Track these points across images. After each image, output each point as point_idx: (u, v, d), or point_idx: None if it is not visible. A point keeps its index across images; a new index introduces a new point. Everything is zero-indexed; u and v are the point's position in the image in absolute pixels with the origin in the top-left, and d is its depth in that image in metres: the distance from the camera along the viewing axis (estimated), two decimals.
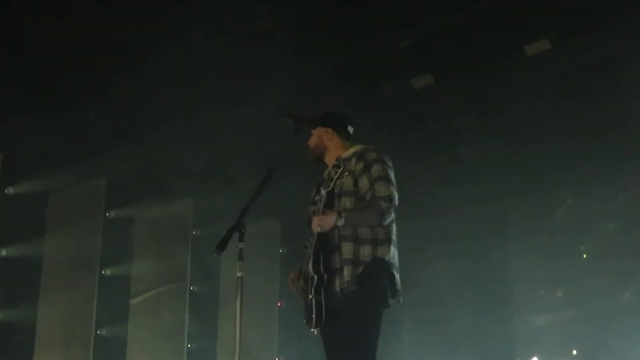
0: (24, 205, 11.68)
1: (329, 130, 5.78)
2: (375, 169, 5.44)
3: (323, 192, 5.33)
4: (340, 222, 5.29)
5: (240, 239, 4.94)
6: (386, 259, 5.45)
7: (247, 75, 9.34)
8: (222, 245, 4.88)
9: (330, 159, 5.74)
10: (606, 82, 9.19)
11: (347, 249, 5.37)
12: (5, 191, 11.56)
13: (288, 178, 6.58)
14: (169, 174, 11.17)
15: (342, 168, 5.50)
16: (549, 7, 8.36)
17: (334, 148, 5.74)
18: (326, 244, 5.38)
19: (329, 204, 5.47)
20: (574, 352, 10.83)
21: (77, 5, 8.52)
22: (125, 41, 8.93)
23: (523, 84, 9.46)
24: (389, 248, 5.49)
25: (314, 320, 5.36)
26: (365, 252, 5.40)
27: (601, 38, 8.60)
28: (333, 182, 5.42)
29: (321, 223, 5.26)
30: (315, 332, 5.49)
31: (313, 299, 5.36)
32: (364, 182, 5.41)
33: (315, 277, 5.34)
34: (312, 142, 5.78)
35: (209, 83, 9.47)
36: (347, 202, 5.37)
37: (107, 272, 12.15)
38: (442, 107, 9.99)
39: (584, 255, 11.14)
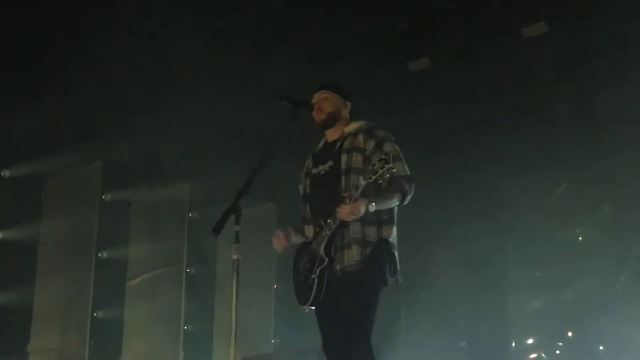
0: (20, 188, 11.70)
1: (348, 103, 5.78)
2: (389, 147, 5.39)
3: (362, 181, 5.14)
4: (372, 209, 5.23)
5: (237, 222, 4.91)
6: (390, 239, 5.48)
7: (242, 60, 9.34)
8: (218, 228, 4.86)
9: (334, 132, 5.75)
10: (602, 66, 9.19)
11: (354, 228, 5.37)
12: (2, 174, 11.57)
13: (285, 161, 6.56)
14: (165, 156, 11.18)
15: (342, 143, 5.54)
16: None
17: (342, 121, 5.74)
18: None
19: (333, 180, 5.48)
20: (570, 334, 10.85)
21: None
22: (120, 25, 8.92)
23: (519, 67, 9.47)
24: (392, 228, 5.51)
25: (311, 298, 5.39)
26: (372, 232, 5.41)
27: (598, 21, 8.58)
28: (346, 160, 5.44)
29: (353, 211, 5.16)
30: (307, 311, 5.52)
31: (316, 278, 5.38)
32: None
33: (327, 259, 5.37)
34: (329, 107, 5.68)
35: (205, 67, 9.47)
36: (357, 180, 5.33)
37: (104, 254, 12.17)
38: (438, 91, 9.99)
39: (580, 238, 11.15)
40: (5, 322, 11.60)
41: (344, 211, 5.15)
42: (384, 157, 5.07)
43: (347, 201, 5.16)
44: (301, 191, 5.80)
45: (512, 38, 8.94)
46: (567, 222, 11.06)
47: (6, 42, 9.37)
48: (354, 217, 5.17)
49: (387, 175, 5.10)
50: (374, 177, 5.07)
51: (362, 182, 5.14)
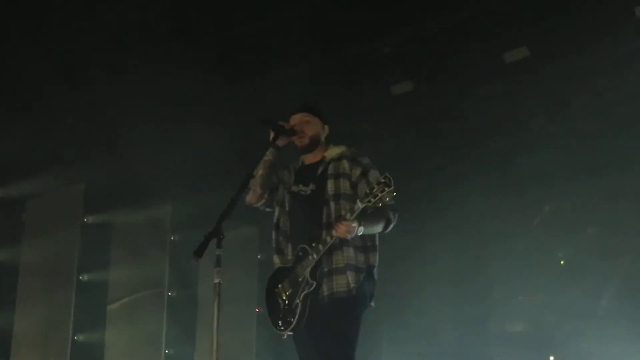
0: (0, 209, 11.63)
1: (326, 127, 5.82)
2: (374, 175, 5.45)
3: (360, 204, 5.17)
4: (360, 232, 5.29)
5: (219, 245, 4.89)
6: (375, 265, 5.51)
7: (225, 81, 9.34)
8: (199, 251, 4.84)
9: (313, 155, 5.74)
10: (583, 91, 9.23)
11: (349, 254, 5.40)
12: None
13: None
14: (147, 179, 11.14)
15: (325, 168, 5.58)
16: (527, 15, 8.38)
17: (321, 145, 5.76)
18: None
19: (317, 204, 5.47)
20: (551, 358, 10.86)
21: (58, 9, 8.49)
22: (105, 46, 8.91)
23: (501, 91, 9.50)
24: (376, 254, 5.55)
25: (293, 324, 5.37)
26: (361, 258, 5.47)
27: (579, 45, 8.62)
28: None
29: (349, 230, 5.20)
30: (286, 337, 5.50)
31: (300, 303, 5.37)
32: (364, 188, 5.34)
33: (314, 284, 5.35)
34: (311, 130, 5.73)
35: (186, 89, 9.46)
36: (346, 206, 5.35)
37: (85, 277, 12.08)
38: (421, 114, 10.01)
39: (562, 262, 11.17)
40: None
41: (342, 229, 5.14)
42: (383, 180, 5.09)
43: (348, 216, 5.17)
44: (277, 206, 5.78)
45: (494, 62, 8.98)
46: (549, 245, 11.08)
47: None
48: (349, 237, 5.18)
49: (387, 198, 5.12)
50: (373, 201, 5.09)
51: (360, 205, 5.16)
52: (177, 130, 10.30)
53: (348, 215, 5.22)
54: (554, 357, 10.88)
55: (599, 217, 10.70)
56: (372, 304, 5.55)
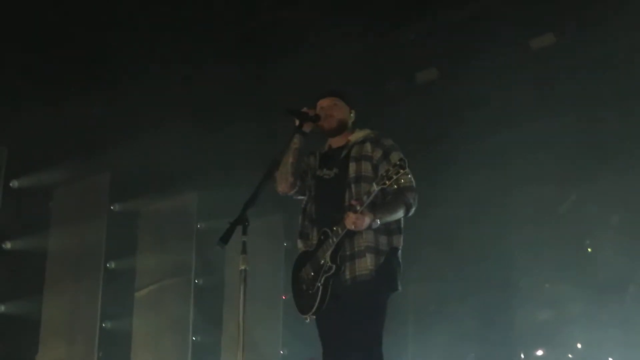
0: (28, 198, 11.71)
1: (353, 112, 5.83)
2: (395, 157, 5.41)
3: (375, 186, 5.16)
4: (375, 225, 5.29)
5: (244, 232, 4.89)
6: (399, 248, 5.50)
7: (249, 68, 9.36)
8: (225, 238, 4.85)
9: (339, 139, 5.77)
10: (613, 78, 9.17)
11: (368, 236, 5.40)
12: (10, 184, 11.57)
13: None
14: (173, 167, 11.18)
15: (349, 151, 5.59)
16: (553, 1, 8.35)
17: (348, 130, 5.78)
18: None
19: (339, 188, 5.48)
20: (579, 345, 10.81)
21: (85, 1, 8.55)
22: (131, 36, 8.95)
23: (527, 78, 9.45)
24: (401, 237, 5.54)
25: (315, 307, 5.39)
26: (383, 241, 5.46)
27: (606, 32, 8.57)
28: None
29: (357, 223, 5.20)
30: (309, 320, 5.52)
31: (321, 286, 5.38)
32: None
33: (334, 267, 5.36)
34: (339, 113, 5.76)
35: (212, 77, 9.49)
36: (367, 188, 5.32)
37: (112, 265, 12.14)
38: (446, 102, 9.99)
39: (589, 250, 11.12)
40: (13, 333, 11.59)
41: (349, 220, 5.15)
42: (398, 162, 5.08)
43: (358, 208, 5.16)
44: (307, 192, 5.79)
45: (520, 49, 8.94)
46: (576, 233, 11.02)
47: (15, 53, 9.40)
48: (354, 228, 5.17)
49: (402, 180, 5.11)
50: (388, 183, 5.09)
51: (375, 188, 5.15)
52: (204, 118, 10.32)
53: (365, 199, 5.20)
54: (581, 345, 10.82)
55: (628, 204, 10.63)
56: (399, 287, 5.53)
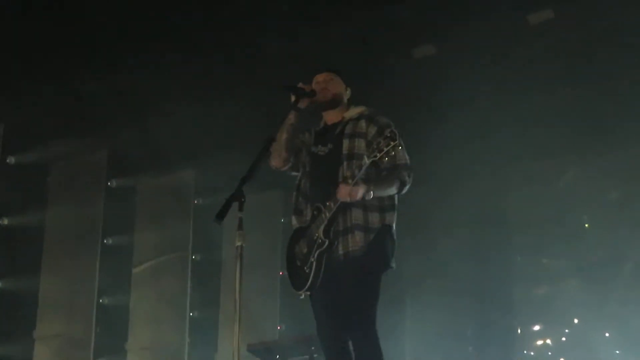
0: (25, 174, 11.70)
1: (349, 89, 5.85)
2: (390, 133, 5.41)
3: (367, 159, 5.19)
4: (369, 197, 5.27)
5: (240, 208, 4.86)
6: (392, 225, 5.50)
7: (247, 46, 9.34)
8: (221, 214, 4.82)
9: (334, 115, 5.77)
10: (610, 52, 9.15)
11: (357, 214, 5.40)
12: (7, 160, 11.56)
13: None
14: (170, 143, 11.16)
15: (343, 128, 5.60)
16: None
17: (342, 106, 5.79)
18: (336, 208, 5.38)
19: (333, 164, 5.48)
20: (576, 320, 10.84)
21: None
22: (130, 14, 8.93)
23: (525, 55, 9.43)
24: (394, 214, 5.55)
25: (309, 283, 5.40)
26: (374, 219, 5.45)
27: (604, 7, 8.54)
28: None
29: (351, 194, 5.20)
30: (303, 296, 5.53)
31: (314, 262, 5.39)
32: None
33: (326, 242, 5.37)
34: (335, 88, 5.78)
35: (211, 54, 9.47)
36: (359, 164, 5.33)
37: (109, 241, 12.16)
38: (442, 77, 9.96)
39: (586, 225, 11.13)
40: (11, 309, 11.60)
41: (343, 191, 5.14)
42: (389, 134, 5.08)
43: (350, 181, 5.16)
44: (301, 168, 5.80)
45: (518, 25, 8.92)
46: (573, 208, 11.03)
47: (13, 29, 9.38)
48: (349, 199, 5.17)
49: (393, 152, 5.10)
50: (379, 155, 5.10)
51: (367, 161, 5.15)
52: (200, 95, 10.30)
53: (349, 181, 5.20)
54: (578, 321, 10.84)
55: (625, 180, 10.63)
56: (393, 265, 5.54)
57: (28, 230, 11.86)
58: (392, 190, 5.42)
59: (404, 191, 5.48)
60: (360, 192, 5.19)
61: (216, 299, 12.32)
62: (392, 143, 5.07)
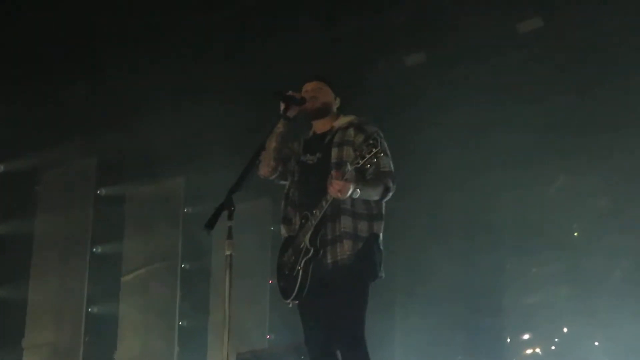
0: (14, 182, 11.68)
1: (338, 99, 5.85)
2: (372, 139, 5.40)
3: (349, 166, 5.14)
4: (356, 195, 5.25)
5: (230, 217, 4.86)
6: (380, 234, 5.50)
7: (236, 53, 9.34)
8: (210, 223, 4.82)
9: (323, 124, 5.77)
10: (599, 60, 9.17)
11: (346, 222, 5.40)
12: None
13: None
14: (160, 151, 11.15)
15: (332, 137, 5.59)
16: None
17: (332, 115, 5.79)
18: (324, 216, 5.38)
19: (321, 173, 5.47)
20: (565, 329, 10.84)
21: None
22: (118, 22, 8.93)
23: (514, 62, 9.45)
24: (382, 224, 5.54)
25: (295, 291, 5.39)
26: (363, 227, 5.45)
27: (592, 15, 8.56)
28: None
29: (342, 189, 5.15)
30: (291, 305, 5.53)
31: (301, 270, 5.39)
32: None
33: (312, 250, 5.37)
34: (324, 97, 5.78)
35: (198, 62, 9.47)
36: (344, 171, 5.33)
37: (99, 249, 12.14)
38: (433, 85, 9.98)
39: (575, 234, 11.14)
40: None
41: (335, 186, 5.12)
42: (371, 141, 5.09)
43: (340, 178, 5.15)
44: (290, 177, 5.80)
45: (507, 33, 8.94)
46: (563, 216, 11.03)
47: (0, 36, 9.38)
48: (340, 195, 5.15)
49: (375, 159, 5.10)
50: (361, 162, 5.09)
51: (349, 168, 5.14)
52: (190, 103, 10.30)
53: (340, 178, 5.20)
54: (567, 329, 10.85)
55: (615, 188, 10.64)
56: (382, 274, 5.54)
57: (17, 238, 11.85)
58: (376, 195, 5.40)
59: (387, 197, 5.47)
60: (350, 188, 5.17)
61: (205, 307, 12.29)
62: (373, 150, 5.07)
